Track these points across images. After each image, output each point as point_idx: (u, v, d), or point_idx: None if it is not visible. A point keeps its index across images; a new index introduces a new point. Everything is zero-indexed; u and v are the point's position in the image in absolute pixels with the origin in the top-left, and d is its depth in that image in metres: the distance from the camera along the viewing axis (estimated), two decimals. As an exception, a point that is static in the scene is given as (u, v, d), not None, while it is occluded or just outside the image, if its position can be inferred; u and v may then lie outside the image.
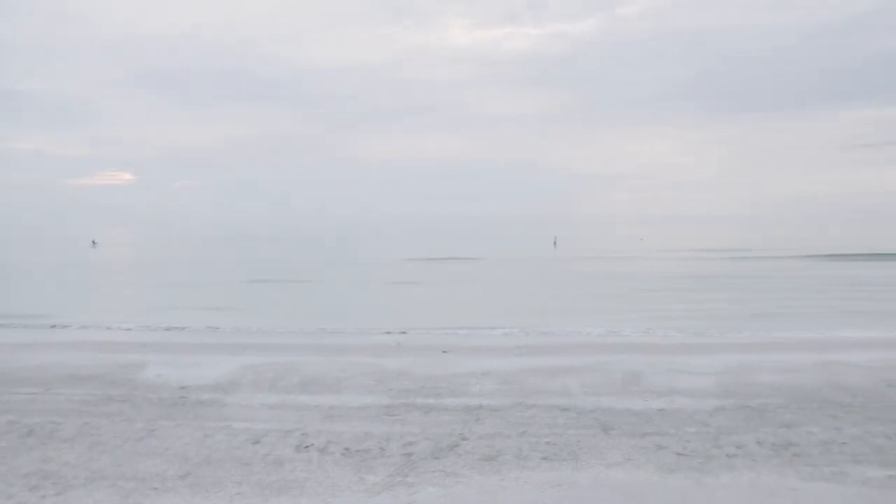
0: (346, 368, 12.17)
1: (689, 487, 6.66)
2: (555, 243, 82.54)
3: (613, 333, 18.15)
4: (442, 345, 15.24)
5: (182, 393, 10.55)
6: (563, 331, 18.68)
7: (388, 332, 18.26)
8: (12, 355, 13.89)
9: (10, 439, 8.23)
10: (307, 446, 7.92)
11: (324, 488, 6.74)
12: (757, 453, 7.58)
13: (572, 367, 12.11)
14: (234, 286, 36.37)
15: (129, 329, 19.30)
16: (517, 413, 9.26)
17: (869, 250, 58.94)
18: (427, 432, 8.41)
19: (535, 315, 23.47)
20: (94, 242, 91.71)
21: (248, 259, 58.99)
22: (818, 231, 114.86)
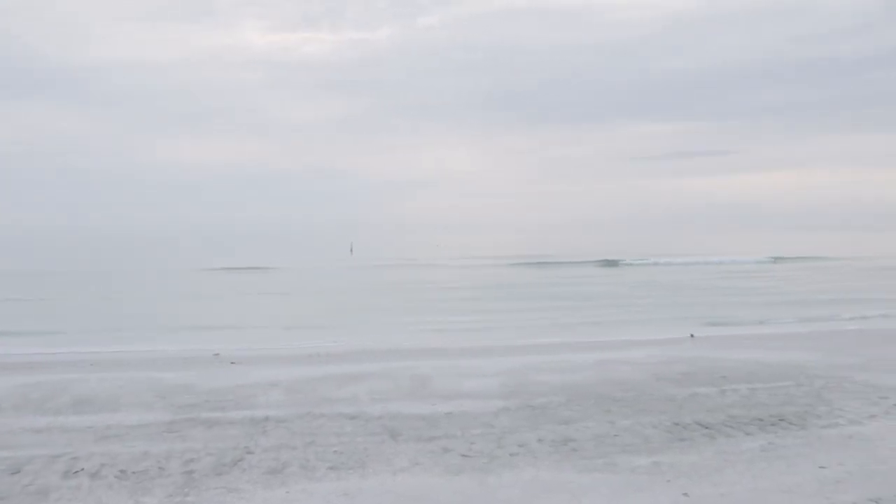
0: (125, 385, 11.47)
1: (472, 488, 6.79)
2: (351, 250, 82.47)
3: (403, 339, 18.35)
4: (229, 356, 14.75)
5: (-70, 421, 9.45)
6: (352, 339, 18.66)
7: (171, 345, 17.46)
8: None
9: None
10: (77, 471, 7.33)
11: (93, 515, 6.26)
12: (538, 450, 7.88)
13: (361, 374, 12.10)
14: None
15: None
16: (304, 423, 9.09)
17: (652, 255, 63.50)
18: (210, 448, 8.06)
19: (326, 324, 23.35)
20: None
21: (16, 271, 54.20)
22: (607, 237, 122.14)
